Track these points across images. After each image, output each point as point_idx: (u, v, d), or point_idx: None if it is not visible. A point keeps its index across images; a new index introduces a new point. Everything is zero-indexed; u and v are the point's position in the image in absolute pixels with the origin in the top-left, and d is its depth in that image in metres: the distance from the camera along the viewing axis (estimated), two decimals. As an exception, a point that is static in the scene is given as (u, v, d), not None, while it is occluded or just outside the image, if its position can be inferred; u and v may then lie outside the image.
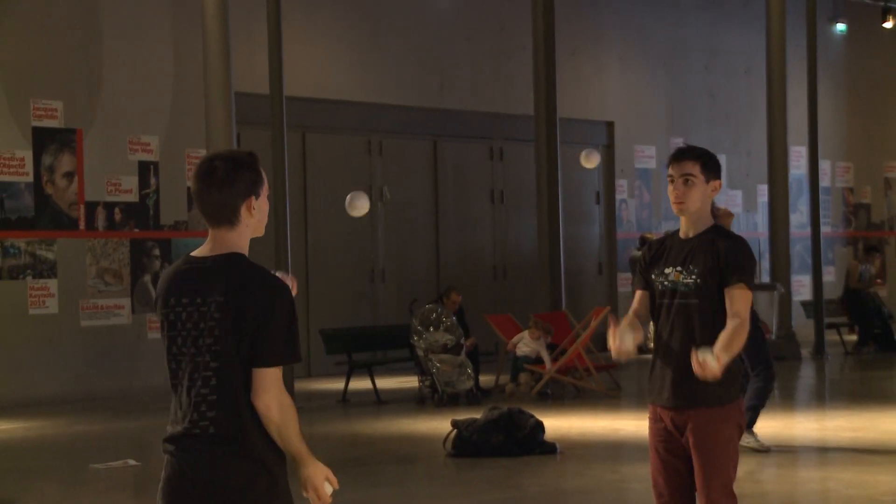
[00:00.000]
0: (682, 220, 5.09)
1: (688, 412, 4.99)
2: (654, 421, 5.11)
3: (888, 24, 24.51)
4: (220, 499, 3.67)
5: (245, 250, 3.81)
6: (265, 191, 3.82)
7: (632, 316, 5.13)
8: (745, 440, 9.68)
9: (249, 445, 3.69)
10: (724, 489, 5.03)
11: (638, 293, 5.19)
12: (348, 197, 4.39)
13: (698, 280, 4.97)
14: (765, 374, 9.93)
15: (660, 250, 5.13)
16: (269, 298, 3.69)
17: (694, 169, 5.01)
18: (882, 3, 24.59)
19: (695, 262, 4.99)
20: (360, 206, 4.34)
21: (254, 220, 3.80)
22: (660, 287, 5.06)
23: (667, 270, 5.04)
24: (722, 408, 4.98)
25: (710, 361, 4.75)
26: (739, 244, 5.03)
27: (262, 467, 3.70)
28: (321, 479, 3.78)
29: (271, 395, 3.67)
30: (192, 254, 3.83)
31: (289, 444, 3.73)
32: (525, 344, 14.68)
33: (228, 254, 3.77)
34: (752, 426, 9.94)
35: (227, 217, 3.76)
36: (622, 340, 4.96)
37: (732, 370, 4.99)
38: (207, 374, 3.70)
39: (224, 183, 3.74)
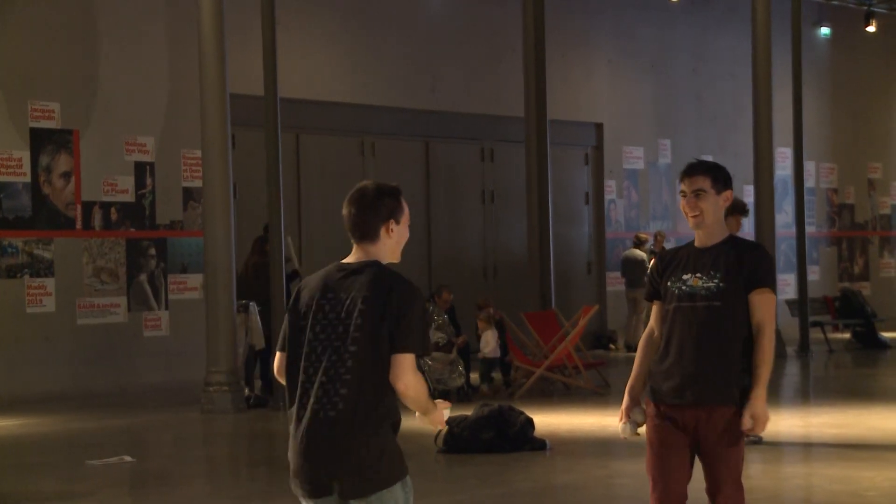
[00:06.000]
0: (698, 232, 5.23)
1: (704, 410, 5.12)
2: (661, 419, 5.21)
3: (871, 28, 24.68)
4: (347, 469, 4.24)
5: (385, 262, 4.42)
6: (405, 220, 4.44)
7: (638, 369, 5.31)
8: None
9: (374, 419, 4.25)
10: (737, 483, 5.18)
11: (655, 305, 5.32)
12: None
13: (721, 284, 5.11)
14: None
15: (674, 259, 5.26)
16: (409, 298, 4.31)
17: (705, 183, 5.17)
18: (865, 8, 24.78)
19: (716, 267, 5.13)
20: None
21: (391, 241, 4.41)
22: (676, 292, 5.18)
23: (685, 276, 5.17)
24: (738, 407, 5.15)
25: (757, 412, 5.10)
26: (760, 251, 5.21)
27: (381, 437, 4.28)
28: (440, 417, 4.48)
29: (408, 376, 4.28)
30: (342, 262, 4.45)
31: (422, 409, 4.42)
32: (485, 344, 14.70)
33: (373, 261, 4.40)
34: None
35: (369, 235, 4.39)
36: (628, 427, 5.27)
37: (738, 367, 5.17)
38: (345, 357, 4.27)
39: (369, 207, 4.38)
